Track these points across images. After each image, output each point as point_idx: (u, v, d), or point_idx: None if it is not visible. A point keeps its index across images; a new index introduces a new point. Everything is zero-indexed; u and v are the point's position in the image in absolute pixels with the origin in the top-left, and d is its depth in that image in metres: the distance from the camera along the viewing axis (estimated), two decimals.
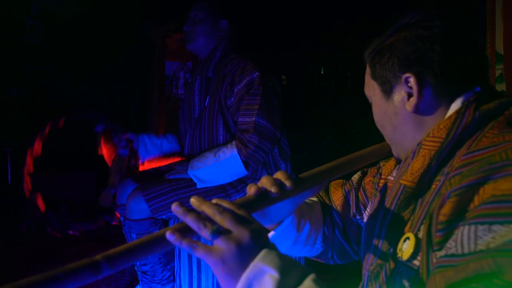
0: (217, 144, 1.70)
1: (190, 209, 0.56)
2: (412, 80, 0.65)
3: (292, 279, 0.50)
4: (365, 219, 0.82)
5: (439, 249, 0.53)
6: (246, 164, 1.59)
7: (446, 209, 0.52)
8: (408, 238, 0.61)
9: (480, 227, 0.47)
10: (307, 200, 0.92)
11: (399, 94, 0.68)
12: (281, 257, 0.52)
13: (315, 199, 0.96)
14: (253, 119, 1.56)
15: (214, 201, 0.58)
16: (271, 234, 0.80)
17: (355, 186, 0.92)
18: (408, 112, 0.68)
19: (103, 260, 0.49)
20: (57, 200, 2.98)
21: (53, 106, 3.21)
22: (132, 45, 3.66)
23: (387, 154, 0.84)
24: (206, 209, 0.56)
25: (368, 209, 0.86)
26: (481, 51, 0.69)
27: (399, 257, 0.62)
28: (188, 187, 1.61)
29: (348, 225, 0.91)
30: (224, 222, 0.54)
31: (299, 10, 3.06)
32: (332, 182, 0.97)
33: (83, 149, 3.43)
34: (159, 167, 1.90)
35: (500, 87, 2.00)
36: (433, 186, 0.62)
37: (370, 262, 0.72)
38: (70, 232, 2.09)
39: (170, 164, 2.00)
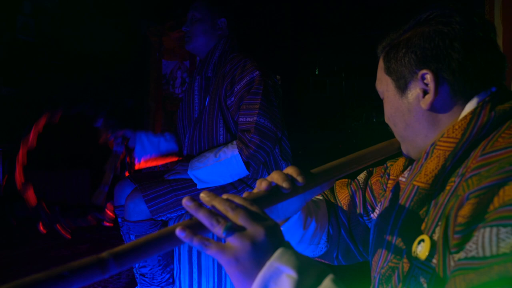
0: (217, 144, 1.67)
1: (202, 205, 0.53)
2: (429, 77, 0.64)
3: (310, 278, 0.48)
4: (374, 220, 0.80)
5: (457, 252, 0.52)
6: (247, 164, 1.57)
7: (465, 210, 0.51)
8: (422, 240, 0.60)
9: (503, 229, 0.46)
10: (313, 198, 0.90)
11: (414, 91, 0.67)
12: (298, 255, 0.50)
13: (320, 197, 0.94)
14: (254, 118, 1.54)
15: (225, 196, 0.56)
16: None
17: (361, 186, 0.91)
18: (422, 110, 0.66)
19: (110, 257, 0.47)
20: (50, 201, 2.94)
21: (45, 105, 3.19)
22: (128, 44, 3.63)
23: (396, 151, 0.82)
24: (218, 205, 0.53)
25: (377, 210, 0.84)
26: (499, 50, 0.68)
27: (414, 259, 0.60)
28: (188, 188, 1.59)
29: (354, 225, 0.90)
30: (238, 218, 0.51)
31: (294, 10, 3.06)
32: (337, 181, 0.96)
33: (77, 149, 3.40)
34: (156, 166, 1.87)
35: None
36: (448, 188, 0.60)
37: (381, 265, 0.70)
38: (59, 227, 2.04)
39: (166, 164, 1.97)
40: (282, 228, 0.78)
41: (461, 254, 0.50)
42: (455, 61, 0.62)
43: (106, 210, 1.91)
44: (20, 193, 1.94)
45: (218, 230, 0.50)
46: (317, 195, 0.93)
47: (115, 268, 0.47)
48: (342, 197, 0.92)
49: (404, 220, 0.66)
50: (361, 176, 0.94)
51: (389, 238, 0.69)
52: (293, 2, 3.08)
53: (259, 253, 0.49)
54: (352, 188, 0.92)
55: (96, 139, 1.80)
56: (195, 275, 1.58)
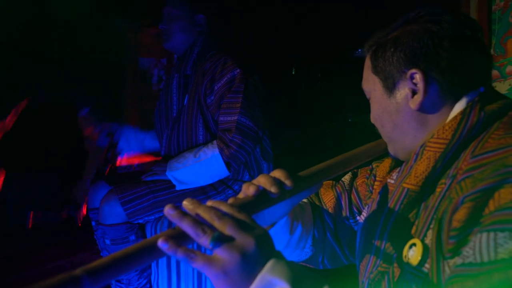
0: (196, 144, 1.63)
1: (185, 213, 0.49)
2: (418, 77, 0.63)
3: None
4: (361, 223, 0.78)
5: (452, 257, 0.51)
6: (228, 164, 1.54)
7: (460, 215, 0.50)
8: (414, 244, 0.58)
9: (500, 234, 0.45)
10: None
11: (402, 91, 0.66)
12: (291, 266, 0.47)
13: (305, 200, 0.92)
14: (236, 118, 1.51)
15: (209, 203, 0.52)
16: None
17: (347, 188, 0.90)
18: (411, 110, 0.66)
19: (84, 275, 0.42)
20: (22, 202, 2.84)
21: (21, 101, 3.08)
22: (103, 40, 3.54)
23: (382, 152, 0.81)
24: (203, 213, 0.50)
25: (364, 213, 0.82)
26: (487, 50, 0.68)
27: (406, 264, 0.59)
28: (167, 189, 1.54)
29: (340, 228, 0.88)
30: (225, 228, 0.48)
31: (271, 9, 3.05)
32: None
33: (48, 150, 3.30)
34: (132, 166, 1.82)
35: None
36: (438, 190, 0.59)
37: (369, 270, 0.69)
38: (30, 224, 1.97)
39: (143, 164, 1.92)
40: None
41: (458, 260, 0.49)
42: (444, 60, 0.62)
43: (81, 210, 1.85)
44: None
45: (204, 240, 0.47)
46: None
47: (90, 286, 0.42)
48: (327, 199, 0.91)
49: (394, 224, 0.65)
50: (346, 178, 0.93)
51: (378, 242, 0.68)
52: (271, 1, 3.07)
53: (249, 265, 0.46)
54: (338, 190, 0.91)
55: (66, 137, 1.73)
56: (173, 280, 1.54)
